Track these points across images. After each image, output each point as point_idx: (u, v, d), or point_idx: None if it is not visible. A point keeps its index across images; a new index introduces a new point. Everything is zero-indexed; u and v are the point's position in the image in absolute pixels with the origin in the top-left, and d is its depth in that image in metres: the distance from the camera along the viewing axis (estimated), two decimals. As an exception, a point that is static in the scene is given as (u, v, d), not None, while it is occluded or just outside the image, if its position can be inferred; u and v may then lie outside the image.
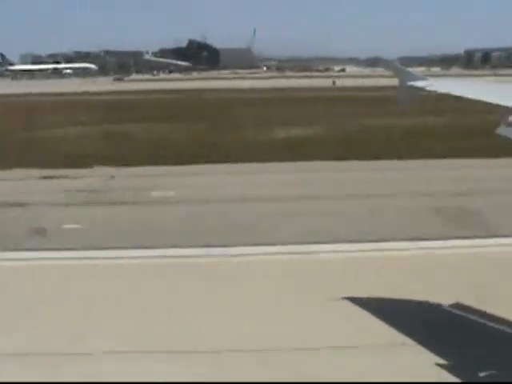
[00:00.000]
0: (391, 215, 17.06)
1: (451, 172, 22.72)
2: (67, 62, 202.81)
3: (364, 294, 11.12)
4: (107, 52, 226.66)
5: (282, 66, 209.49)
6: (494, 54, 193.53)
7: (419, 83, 9.64)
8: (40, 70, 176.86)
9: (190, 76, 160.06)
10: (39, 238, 15.72)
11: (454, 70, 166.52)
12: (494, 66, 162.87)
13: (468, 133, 30.47)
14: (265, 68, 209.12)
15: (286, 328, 9.96)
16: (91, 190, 21.34)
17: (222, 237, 15.35)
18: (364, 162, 25.34)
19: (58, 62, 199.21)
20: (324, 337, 9.64)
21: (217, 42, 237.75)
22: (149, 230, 16.27)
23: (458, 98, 9.28)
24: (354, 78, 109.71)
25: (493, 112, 9.10)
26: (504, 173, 21.30)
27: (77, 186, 21.80)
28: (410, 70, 10.44)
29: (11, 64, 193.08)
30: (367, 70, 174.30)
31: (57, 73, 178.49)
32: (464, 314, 10.00)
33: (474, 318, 9.89)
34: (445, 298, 10.60)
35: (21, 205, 18.98)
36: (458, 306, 10.20)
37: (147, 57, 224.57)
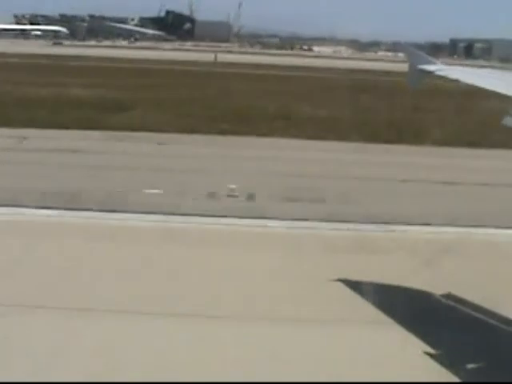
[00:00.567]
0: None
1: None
2: (48, 24, 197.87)
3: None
4: (92, 17, 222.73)
5: (267, 42, 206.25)
6: (477, 45, 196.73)
7: (430, 67, 9.49)
8: (5, 30, 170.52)
9: (138, 45, 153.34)
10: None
11: (442, 58, 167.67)
12: (476, 57, 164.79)
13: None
14: (237, 43, 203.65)
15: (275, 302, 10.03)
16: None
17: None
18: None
19: (35, 24, 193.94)
20: (311, 314, 9.65)
21: (207, 15, 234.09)
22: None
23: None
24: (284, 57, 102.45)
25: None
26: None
27: None
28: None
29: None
30: (348, 52, 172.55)
31: (25, 34, 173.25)
32: (455, 305, 9.95)
33: (464, 309, 9.84)
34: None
35: None
36: (449, 296, 10.14)
37: (118, 24, 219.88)
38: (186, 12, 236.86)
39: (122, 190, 16.53)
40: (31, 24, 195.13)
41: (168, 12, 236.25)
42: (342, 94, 38.09)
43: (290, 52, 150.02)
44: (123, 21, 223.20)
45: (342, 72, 63.16)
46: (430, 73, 9.45)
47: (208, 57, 79.65)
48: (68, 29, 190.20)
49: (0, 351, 8.44)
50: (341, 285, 10.60)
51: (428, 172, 20.08)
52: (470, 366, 8.38)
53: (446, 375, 8.01)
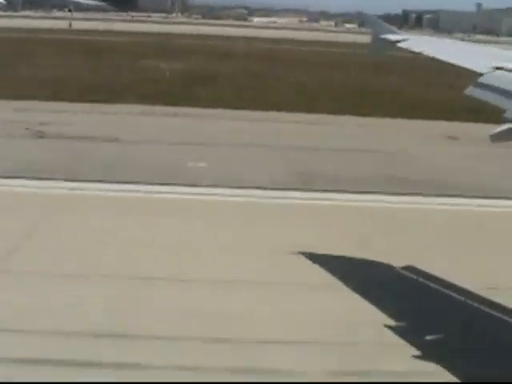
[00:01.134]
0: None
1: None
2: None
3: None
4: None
5: (217, 14, 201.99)
6: (426, 16, 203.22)
7: (392, 37, 9.35)
8: None
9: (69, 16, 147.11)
10: None
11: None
12: (424, 27, 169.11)
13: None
14: (174, 14, 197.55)
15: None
16: None
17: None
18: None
19: None
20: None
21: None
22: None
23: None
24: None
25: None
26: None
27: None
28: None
29: None
30: (293, 23, 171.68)
31: None
32: (415, 277, 9.98)
33: (424, 281, 9.88)
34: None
35: None
36: (409, 268, 10.17)
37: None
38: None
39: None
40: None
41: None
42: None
43: (219, 22, 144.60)
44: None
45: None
46: (392, 43, 9.31)
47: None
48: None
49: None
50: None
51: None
52: (429, 337, 8.43)
53: (398, 342, 8.09)
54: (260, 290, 9.51)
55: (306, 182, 15.66)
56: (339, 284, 9.67)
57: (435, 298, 9.67)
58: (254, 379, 7.44)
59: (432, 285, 9.78)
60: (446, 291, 9.58)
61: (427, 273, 10.06)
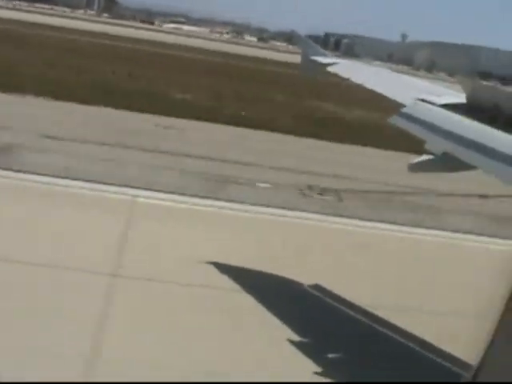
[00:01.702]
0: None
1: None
2: None
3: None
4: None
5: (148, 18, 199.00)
6: (344, 41, 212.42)
7: (322, 60, 9.55)
8: None
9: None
10: None
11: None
12: (343, 52, 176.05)
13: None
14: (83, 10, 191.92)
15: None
16: None
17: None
18: None
19: None
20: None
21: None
22: None
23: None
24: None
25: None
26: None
27: None
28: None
29: None
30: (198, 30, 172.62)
31: None
32: (321, 296, 10.17)
33: (329, 300, 10.08)
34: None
35: None
36: (316, 287, 10.35)
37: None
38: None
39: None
40: None
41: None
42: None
43: (124, 23, 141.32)
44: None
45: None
46: (322, 65, 9.51)
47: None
48: None
49: None
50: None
51: None
52: (331, 355, 8.61)
53: (302, 360, 8.19)
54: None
55: None
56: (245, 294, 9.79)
57: (338, 317, 9.91)
58: (255, 379, 7.49)
59: (336, 304, 10.02)
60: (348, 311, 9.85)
61: (332, 292, 10.30)
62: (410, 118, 7.21)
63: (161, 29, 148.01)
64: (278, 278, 10.65)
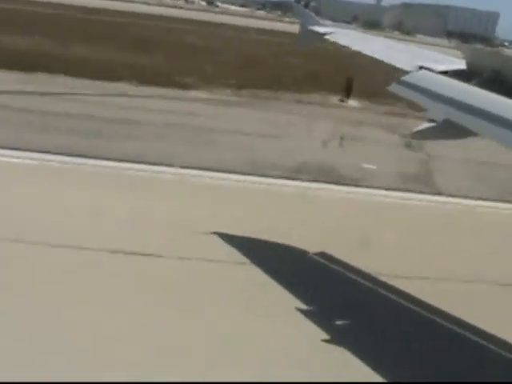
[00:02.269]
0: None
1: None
2: None
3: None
4: None
5: None
6: (312, 3, 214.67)
7: (320, 29, 9.54)
8: None
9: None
10: None
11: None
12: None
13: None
14: None
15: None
16: None
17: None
18: None
19: None
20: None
21: None
22: None
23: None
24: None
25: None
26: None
27: None
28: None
29: None
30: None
31: None
32: (327, 263, 10.26)
33: (336, 267, 10.18)
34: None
35: None
36: (322, 254, 10.45)
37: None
38: None
39: None
40: None
41: None
42: None
43: None
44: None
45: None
46: (320, 35, 9.50)
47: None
48: None
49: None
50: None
51: None
52: (339, 322, 8.73)
53: (310, 328, 8.29)
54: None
55: None
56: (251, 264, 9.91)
57: (345, 284, 10.01)
58: (263, 349, 7.55)
59: (342, 271, 10.12)
60: (356, 278, 9.95)
61: (338, 259, 10.40)
62: (410, 85, 7.22)
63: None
64: (281, 246, 10.77)
